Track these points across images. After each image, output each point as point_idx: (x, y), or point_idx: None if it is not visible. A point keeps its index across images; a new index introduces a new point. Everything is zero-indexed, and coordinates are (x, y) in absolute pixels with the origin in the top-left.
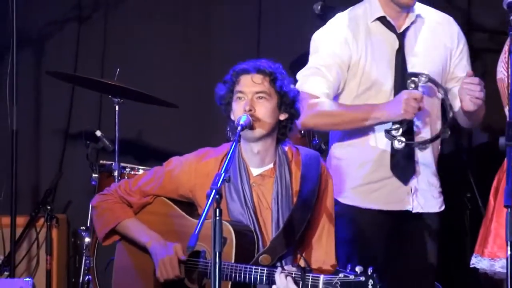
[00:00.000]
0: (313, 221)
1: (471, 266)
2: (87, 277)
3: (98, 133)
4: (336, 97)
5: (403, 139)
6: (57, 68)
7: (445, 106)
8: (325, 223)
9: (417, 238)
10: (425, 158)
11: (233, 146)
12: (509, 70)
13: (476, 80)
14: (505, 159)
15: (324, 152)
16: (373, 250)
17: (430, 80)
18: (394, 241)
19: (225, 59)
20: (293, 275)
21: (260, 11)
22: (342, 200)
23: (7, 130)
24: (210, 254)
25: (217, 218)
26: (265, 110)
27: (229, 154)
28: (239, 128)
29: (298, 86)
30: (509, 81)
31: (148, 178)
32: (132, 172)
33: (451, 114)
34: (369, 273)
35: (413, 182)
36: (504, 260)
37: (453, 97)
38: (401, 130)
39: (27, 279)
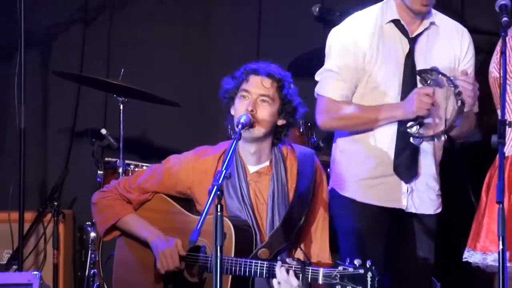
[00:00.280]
0: (309, 216)
1: (464, 260)
2: (93, 270)
3: (103, 131)
4: None
5: (419, 134)
6: (63, 68)
7: (456, 97)
8: (319, 218)
9: (415, 235)
10: (426, 160)
11: (233, 144)
12: (501, 70)
13: (470, 79)
14: (497, 156)
15: (322, 150)
16: (372, 243)
17: (440, 73)
18: (392, 237)
19: (225, 59)
20: (293, 269)
21: (260, 12)
22: (342, 192)
23: (15, 129)
24: (210, 249)
25: (219, 213)
26: (265, 113)
27: (230, 152)
28: (239, 126)
29: (317, 89)
30: (501, 81)
31: (147, 175)
32: (136, 169)
33: (459, 103)
34: (368, 266)
35: (411, 182)
36: (496, 254)
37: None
38: (416, 127)
39: (35, 272)
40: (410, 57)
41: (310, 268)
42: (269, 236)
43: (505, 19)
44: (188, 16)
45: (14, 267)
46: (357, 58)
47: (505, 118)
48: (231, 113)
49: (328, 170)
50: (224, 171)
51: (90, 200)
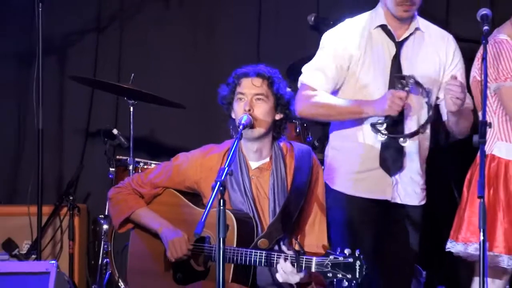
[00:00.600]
0: (305, 208)
1: (447, 250)
2: (105, 260)
3: (115, 131)
4: (335, 93)
5: (385, 132)
6: (78, 73)
7: (428, 106)
8: (317, 211)
9: (401, 225)
10: (411, 156)
11: (235, 143)
12: (482, 75)
13: (458, 82)
14: (478, 154)
15: (317, 149)
16: (361, 234)
17: (415, 81)
18: (380, 227)
19: (228, 64)
20: (289, 258)
21: (259, 20)
22: (333, 186)
23: (33, 129)
24: (214, 240)
25: (221, 207)
26: (262, 110)
27: (232, 151)
28: (241, 127)
29: (301, 77)
30: (483, 85)
31: (158, 171)
32: (145, 166)
33: (430, 113)
34: (357, 255)
35: (396, 175)
36: (476, 245)
37: (443, 106)
38: (385, 124)
39: (52, 261)
40: (396, 60)
41: (304, 257)
42: (267, 227)
43: (486, 27)
44: (193, 23)
45: (33, 256)
46: (344, 60)
47: (486, 119)
48: (232, 117)
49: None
50: (227, 168)
51: (103, 195)
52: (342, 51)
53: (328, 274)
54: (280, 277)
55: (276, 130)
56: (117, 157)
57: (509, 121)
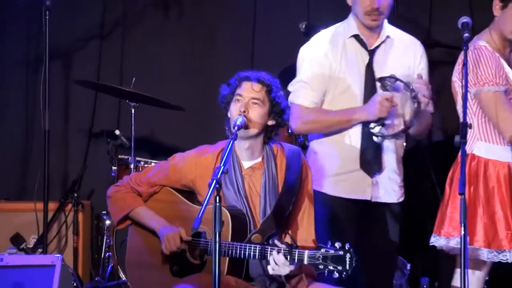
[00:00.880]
0: (296, 205)
1: (431, 244)
2: (108, 253)
3: (117, 132)
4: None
5: (380, 134)
6: (82, 77)
7: (412, 100)
8: (306, 207)
9: (382, 222)
10: (388, 157)
11: (230, 144)
12: (463, 79)
13: (424, 81)
14: (459, 154)
15: (307, 148)
16: (343, 231)
17: (397, 79)
18: (362, 224)
19: (224, 69)
20: (282, 251)
21: (254, 27)
22: (317, 188)
23: (40, 130)
24: (210, 235)
25: (217, 204)
26: (256, 114)
27: (227, 150)
28: (235, 128)
29: (290, 98)
30: (463, 89)
31: (155, 171)
32: (146, 165)
33: (416, 105)
34: (347, 248)
35: (375, 176)
36: (458, 239)
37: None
38: (378, 127)
39: (57, 255)
40: (369, 67)
41: (297, 250)
42: (261, 223)
43: (466, 34)
44: (191, 31)
45: (40, 250)
46: (325, 69)
47: (467, 121)
48: (228, 116)
49: None
50: (222, 167)
51: (105, 192)
52: (323, 61)
53: (320, 266)
54: (271, 269)
55: (267, 135)
56: (119, 156)
57: (488, 122)
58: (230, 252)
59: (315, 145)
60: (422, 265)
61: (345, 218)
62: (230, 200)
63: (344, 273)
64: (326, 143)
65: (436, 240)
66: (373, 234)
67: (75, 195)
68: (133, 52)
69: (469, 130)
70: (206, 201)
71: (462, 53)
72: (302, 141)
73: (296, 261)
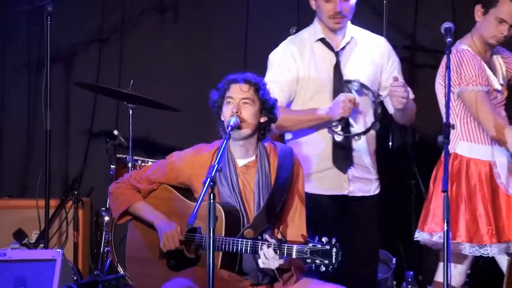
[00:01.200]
0: (287, 202)
1: (415, 239)
2: (106, 248)
3: (116, 132)
4: (289, 104)
5: (341, 133)
6: (82, 80)
7: (375, 105)
8: (298, 204)
9: (361, 215)
10: (361, 151)
11: (224, 143)
12: (446, 81)
13: (401, 83)
14: (442, 153)
15: None
16: (325, 226)
17: (361, 85)
18: (342, 219)
19: (218, 72)
20: (272, 245)
21: (247, 31)
22: None
23: (42, 130)
24: (205, 230)
25: (212, 201)
26: (249, 113)
27: (221, 150)
28: (229, 128)
29: None
30: (446, 91)
31: (153, 168)
32: (143, 164)
33: (379, 111)
34: (333, 243)
35: (350, 171)
36: (441, 234)
37: (388, 102)
38: (340, 126)
39: (58, 250)
40: (337, 68)
41: (286, 245)
42: (253, 218)
43: (449, 39)
44: (186, 35)
45: (41, 245)
46: (293, 74)
47: (450, 121)
48: (221, 119)
49: None
50: (216, 165)
51: (105, 190)
52: (291, 66)
53: (308, 260)
54: (261, 263)
55: (261, 132)
56: (117, 155)
57: (470, 123)
58: (223, 246)
59: (292, 145)
60: (407, 260)
61: (326, 214)
62: (225, 197)
63: (331, 266)
64: (301, 143)
65: (420, 235)
66: (353, 227)
67: (75, 192)
68: (131, 55)
69: (452, 130)
70: (200, 198)
71: (445, 56)
72: None
73: (285, 255)
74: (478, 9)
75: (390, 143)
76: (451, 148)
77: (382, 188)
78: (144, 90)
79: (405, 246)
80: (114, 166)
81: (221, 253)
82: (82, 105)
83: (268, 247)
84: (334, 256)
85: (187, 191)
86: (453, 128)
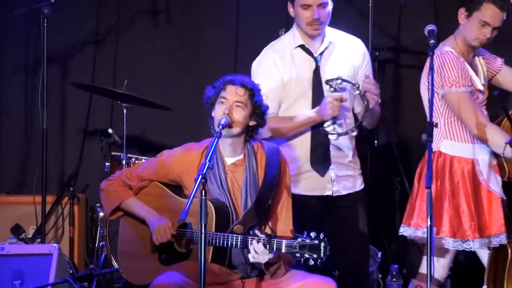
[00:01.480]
0: (275, 198)
1: (400, 234)
2: (101, 243)
3: (110, 130)
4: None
5: (334, 132)
6: (78, 80)
7: (361, 97)
8: (284, 200)
9: (348, 212)
10: (341, 152)
11: (215, 142)
12: (430, 82)
13: (373, 81)
14: (426, 151)
15: None
16: (312, 224)
17: (344, 80)
18: (328, 217)
19: (210, 72)
20: (262, 240)
21: (237, 32)
22: None
23: (39, 128)
24: (196, 225)
25: (203, 197)
26: (239, 116)
27: (212, 147)
28: (220, 127)
29: None
30: (430, 91)
31: (145, 166)
32: (137, 161)
33: (365, 102)
34: (321, 238)
35: (332, 171)
36: (425, 229)
37: (356, 103)
38: (332, 126)
39: (55, 244)
40: (317, 73)
41: (275, 240)
42: (243, 215)
43: (432, 41)
44: (178, 37)
45: (38, 240)
46: (278, 81)
47: (433, 120)
48: (212, 115)
49: None
50: (208, 163)
51: (99, 186)
52: (274, 73)
53: (297, 254)
54: (251, 257)
55: (248, 134)
56: (112, 153)
57: (454, 122)
58: (214, 241)
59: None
60: (392, 254)
61: (313, 213)
62: (214, 194)
63: (319, 260)
64: (287, 146)
65: (405, 230)
66: (341, 223)
67: (71, 189)
68: (125, 56)
69: (435, 129)
70: (192, 194)
71: (429, 58)
72: None
73: (274, 249)
74: (462, 12)
75: (376, 142)
76: (435, 146)
77: (368, 186)
78: (137, 90)
79: (390, 241)
80: (108, 164)
81: (211, 247)
82: (78, 105)
83: (258, 242)
84: (322, 251)
85: (177, 188)
86: (436, 127)
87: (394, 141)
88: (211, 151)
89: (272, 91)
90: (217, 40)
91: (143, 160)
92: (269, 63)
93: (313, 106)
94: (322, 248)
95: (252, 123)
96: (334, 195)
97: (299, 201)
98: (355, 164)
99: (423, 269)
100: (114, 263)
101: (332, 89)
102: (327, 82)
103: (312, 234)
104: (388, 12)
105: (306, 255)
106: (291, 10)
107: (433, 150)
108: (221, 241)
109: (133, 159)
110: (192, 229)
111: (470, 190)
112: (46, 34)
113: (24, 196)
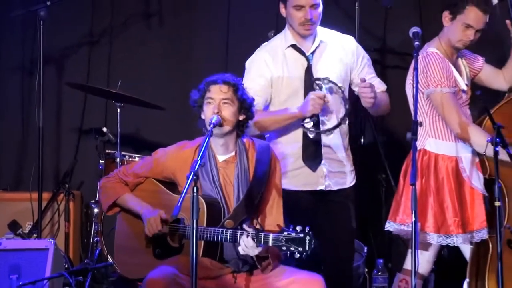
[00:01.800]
0: (265, 194)
1: (385, 229)
2: (96, 238)
3: (105, 129)
4: (266, 107)
5: (313, 129)
6: (73, 80)
7: (344, 101)
8: (275, 196)
9: (338, 207)
10: (334, 146)
11: (207, 140)
12: (415, 82)
13: (367, 84)
14: (411, 149)
15: None
16: (303, 219)
17: (330, 81)
18: (319, 211)
19: (201, 73)
20: (250, 234)
21: (228, 34)
22: None
23: (35, 127)
24: (188, 221)
25: (195, 194)
26: (229, 112)
27: (204, 146)
28: (211, 126)
29: None
30: (414, 91)
31: (141, 164)
32: (130, 159)
33: (347, 106)
34: (307, 231)
35: (324, 167)
36: (410, 224)
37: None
38: (312, 123)
39: (50, 240)
40: (308, 72)
41: (263, 234)
42: (233, 210)
43: (417, 43)
44: (170, 38)
45: (34, 235)
46: (267, 80)
47: (417, 119)
48: (202, 117)
49: None
50: (199, 160)
51: (94, 183)
52: (265, 72)
53: (283, 248)
54: (241, 250)
55: (240, 129)
56: (106, 151)
57: (438, 121)
58: (205, 236)
59: (271, 145)
60: (377, 248)
61: (304, 208)
62: (206, 190)
63: (304, 253)
64: (277, 143)
65: (391, 226)
66: (330, 218)
67: (67, 186)
68: (119, 57)
69: (420, 128)
70: (184, 191)
71: (414, 59)
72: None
73: (262, 243)
74: (446, 15)
75: (362, 140)
76: (420, 144)
77: (355, 182)
78: (131, 90)
79: (375, 236)
80: (103, 161)
81: (203, 242)
82: (73, 104)
83: (247, 236)
84: (307, 244)
85: (171, 185)
86: (421, 126)
87: (380, 139)
88: (202, 149)
89: (260, 88)
90: (208, 41)
91: (136, 158)
92: (260, 62)
93: None
94: (307, 241)
95: (241, 117)
96: (326, 189)
97: (291, 197)
98: (347, 161)
99: (408, 264)
100: (109, 257)
101: (319, 88)
102: (314, 80)
103: (298, 228)
104: (374, 14)
105: (292, 248)
106: (283, 10)
107: (418, 148)
108: (212, 236)
109: (127, 157)
110: (185, 224)
111: (454, 186)
112: (42, 36)
113: (21, 192)
